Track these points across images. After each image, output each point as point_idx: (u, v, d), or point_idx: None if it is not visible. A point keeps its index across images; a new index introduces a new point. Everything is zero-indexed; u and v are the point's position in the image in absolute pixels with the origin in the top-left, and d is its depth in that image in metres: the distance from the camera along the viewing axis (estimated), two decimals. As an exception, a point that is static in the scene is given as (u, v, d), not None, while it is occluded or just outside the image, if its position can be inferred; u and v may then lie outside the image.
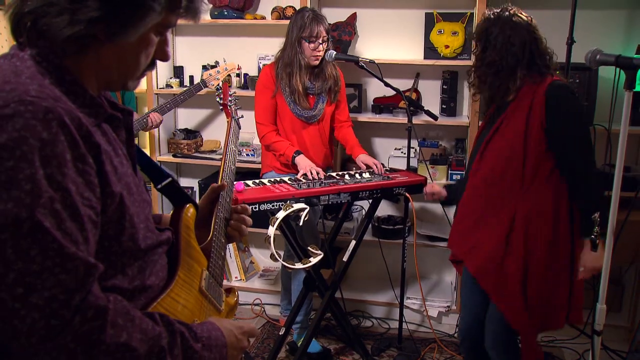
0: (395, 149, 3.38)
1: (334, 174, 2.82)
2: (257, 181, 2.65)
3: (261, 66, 3.34)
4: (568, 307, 2.04)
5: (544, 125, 1.94)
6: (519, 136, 1.97)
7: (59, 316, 0.75)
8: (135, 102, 3.51)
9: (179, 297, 1.04)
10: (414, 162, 3.20)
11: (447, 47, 3.17)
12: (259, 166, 3.08)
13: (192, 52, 3.63)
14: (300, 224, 2.20)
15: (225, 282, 2.77)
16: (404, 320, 3.03)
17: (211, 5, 3.42)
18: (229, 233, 1.34)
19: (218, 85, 3.11)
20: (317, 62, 2.76)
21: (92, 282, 0.79)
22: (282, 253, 2.97)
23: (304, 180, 2.65)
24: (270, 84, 2.81)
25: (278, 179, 2.70)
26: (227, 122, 1.65)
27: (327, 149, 2.97)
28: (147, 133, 3.50)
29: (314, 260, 2.20)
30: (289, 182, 2.63)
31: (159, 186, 1.16)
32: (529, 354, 2.04)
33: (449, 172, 3.23)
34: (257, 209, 2.37)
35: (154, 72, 3.45)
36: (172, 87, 3.52)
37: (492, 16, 2.02)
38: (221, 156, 3.50)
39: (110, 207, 0.86)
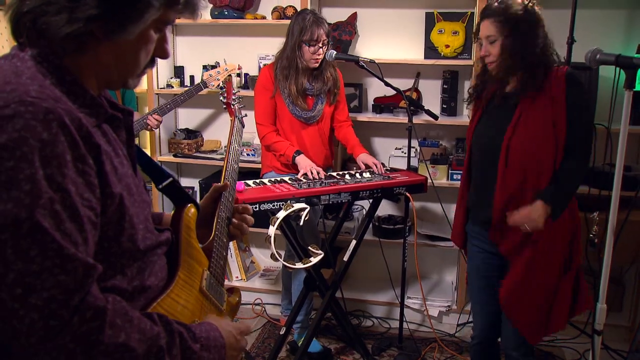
0: (396, 148, 3.38)
1: (334, 174, 2.82)
2: (257, 181, 2.65)
3: (262, 66, 3.34)
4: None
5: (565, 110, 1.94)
6: (548, 125, 1.94)
7: (58, 317, 0.75)
8: (136, 102, 3.51)
9: (179, 298, 1.04)
10: (414, 162, 3.20)
11: (447, 46, 3.17)
12: (260, 166, 3.09)
13: (193, 52, 3.63)
14: (301, 223, 2.20)
15: (226, 282, 2.77)
16: (404, 319, 3.03)
17: (210, 4, 3.42)
18: (231, 232, 1.34)
19: (219, 84, 3.11)
20: (316, 65, 2.76)
21: (91, 283, 0.79)
22: (282, 253, 2.97)
23: (304, 180, 2.65)
24: (269, 85, 2.81)
25: (278, 178, 2.70)
26: (231, 120, 1.64)
27: (327, 150, 2.97)
28: (148, 133, 3.50)
29: (314, 260, 2.20)
30: (289, 181, 2.63)
31: (160, 186, 1.16)
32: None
33: (450, 171, 3.23)
34: (257, 209, 2.37)
35: (154, 72, 3.45)
36: (172, 87, 3.52)
37: (522, 11, 1.97)
38: (222, 156, 3.52)
39: (110, 207, 0.86)
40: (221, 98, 1.76)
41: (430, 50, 3.24)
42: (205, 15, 3.44)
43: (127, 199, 0.90)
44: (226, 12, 3.37)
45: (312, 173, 2.67)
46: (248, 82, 3.46)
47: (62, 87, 0.85)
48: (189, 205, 1.15)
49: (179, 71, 3.62)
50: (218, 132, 3.73)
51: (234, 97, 1.73)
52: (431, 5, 3.26)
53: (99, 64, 0.91)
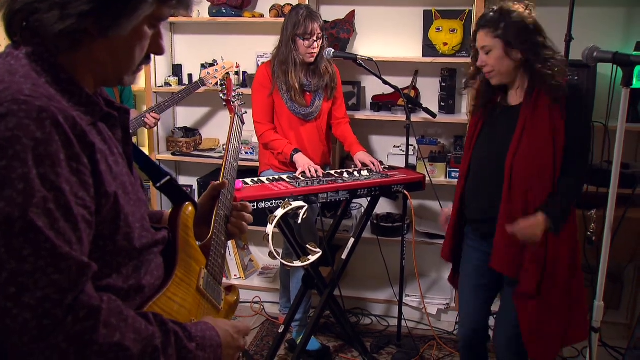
0: (394, 146, 3.38)
1: (332, 172, 2.82)
2: (255, 179, 2.65)
3: (259, 64, 3.34)
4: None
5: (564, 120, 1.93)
6: (549, 136, 1.93)
7: (52, 316, 0.75)
8: (134, 100, 3.51)
9: (176, 297, 1.03)
10: (412, 160, 3.20)
11: (445, 44, 3.16)
12: (257, 164, 3.08)
13: (191, 50, 3.62)
14: (299, 221, 2.20)
15: (224, 280, 2.76)
16: (403, 317, 3.04)
17: (208, 2, 3.41)
18: (230, 230, 1.34)
19: (218, 81, 3.11)
20: (312, 59, 2.76)
21: (85, 282, 0.79)
22: (280, 251, 2.97)
23: (302, 178, 2.64)
24: (266, 83, 2.81)
25: (276, 176, 2.69)
26: (230, 118, 1.64)
27: (325, 146, 2.97)
28: (146, 131, 3.50)
29: (312, 258, 2.20)
30: (287, 180, 2.63)
31: (158, 184, 1.16)
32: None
33: (448, 169, 3.23)
34: (255, 207, 2.37)
35: (152, 70, 3.44)
36: (170, 85, 3.52)
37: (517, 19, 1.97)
38: (220, 154, 3.52)
39: (105, 206, 0.86)
40: (221, 95, 1.75)
41: (429, 48, 3.24)
42: (203, 13, 3.43)
43: (122, 197, 0.90)
44: (224, 10, 3.36)
45: (310, 171, 2.67)
46: (246, 80, 3.46)
47: (56, 85, 0.85)
48: (187, 203, 1.15)
49: (176, 69, 3.61)
50: (216, 131, 3.72)
51: (234, 94, 1.72)
52: (429, 3, 3.25)
53: (94, 62, 0.90)
